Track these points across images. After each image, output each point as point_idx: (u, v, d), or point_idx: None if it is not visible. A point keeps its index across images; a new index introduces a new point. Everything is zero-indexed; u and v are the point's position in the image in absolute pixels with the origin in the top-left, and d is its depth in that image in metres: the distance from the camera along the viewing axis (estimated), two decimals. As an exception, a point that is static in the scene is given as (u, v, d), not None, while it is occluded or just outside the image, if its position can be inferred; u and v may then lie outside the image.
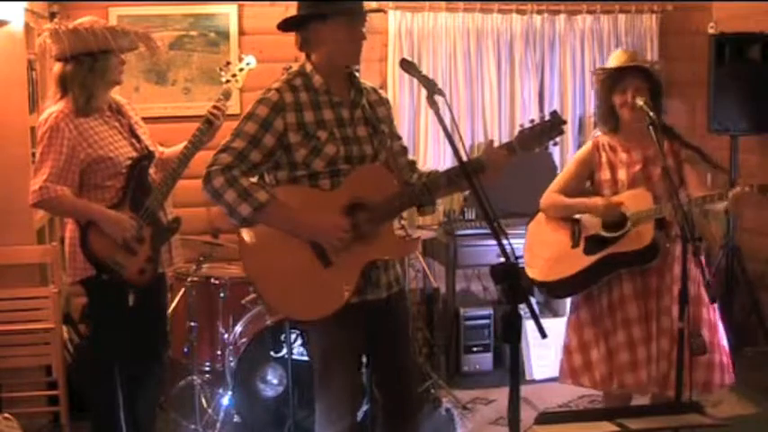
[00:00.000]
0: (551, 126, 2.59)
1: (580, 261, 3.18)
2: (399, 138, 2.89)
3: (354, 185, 2.60)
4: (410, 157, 2.88)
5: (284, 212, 2.55)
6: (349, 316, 2.57)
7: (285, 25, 2.67)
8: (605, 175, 3.22)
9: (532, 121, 2.62)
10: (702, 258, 2.94)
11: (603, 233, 3.15)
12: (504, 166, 2.59)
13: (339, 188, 2.60)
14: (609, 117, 3.22)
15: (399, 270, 2.80)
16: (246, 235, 2.62)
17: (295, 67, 2.71)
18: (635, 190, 3.15)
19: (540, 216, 3.37)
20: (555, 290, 3.34)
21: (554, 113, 2.62)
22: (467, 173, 2.39)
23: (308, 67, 2.65)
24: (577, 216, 3.26)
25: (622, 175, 3.19)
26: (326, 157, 2.58)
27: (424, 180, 2.65)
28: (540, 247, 3.32)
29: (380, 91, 2.85)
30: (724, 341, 3.20)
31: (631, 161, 3.19)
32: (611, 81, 3.18)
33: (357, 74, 2.75)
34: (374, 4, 4.88)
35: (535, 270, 3.28)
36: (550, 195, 3.31)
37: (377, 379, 2.81)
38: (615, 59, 3.22)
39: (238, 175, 2.51)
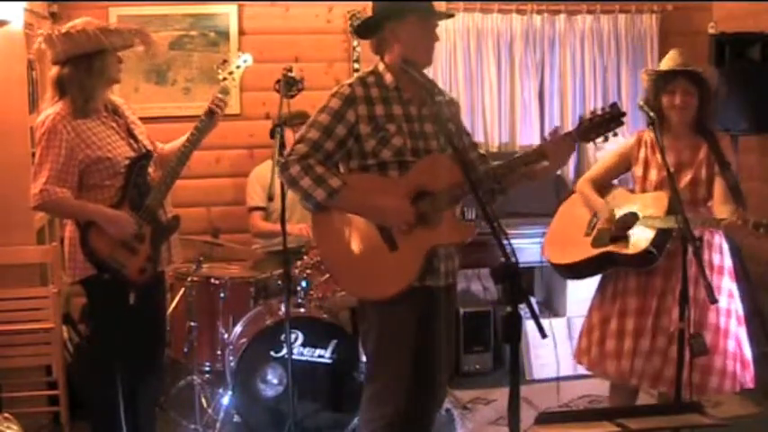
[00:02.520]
0: (611, 117, 2.66)
1: (584, 251, 3.26)
2: (468, 134, 3.00)
3: (420, 174, 2.72)
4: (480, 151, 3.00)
5: (354, 197, 2.70)
6: (410, 298, 2.69)
7: (363, 29, 2.84)
8: (638, 171, 3.29)
9: (593, 112, 2.69)
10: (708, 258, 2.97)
11: (613, 229, 3.20)
12: (568, 155, 2.71)
13: (406, 177, 2.72)
14: (659, 117, 3.19)
15: (456, 263, 2.89)
16: (319, 223, 2.79)
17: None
18: (656, 192, 3.17)
19: (575, 196, 3.49)
20: (559, 271, 3.47)
21: (613, 105, 2.69)
22: (471, 180, 2.45)
23: (381, 67, 2.81)
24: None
25: (653, 175, 3.22)
26: (393, 148, 2.71)
27: (487, 168, 2.77)
28: (562, 228, 3.46)
29: (449, 93, 2.98)
30: (738, 347, 3.21)
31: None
32: (661, 82, 3.20)
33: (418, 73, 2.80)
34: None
35: (549, 249, 3.43)
36: (583, 181, 3.43)
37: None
38: (668, 60, 3.24)
39: (313, 164, 2.68)
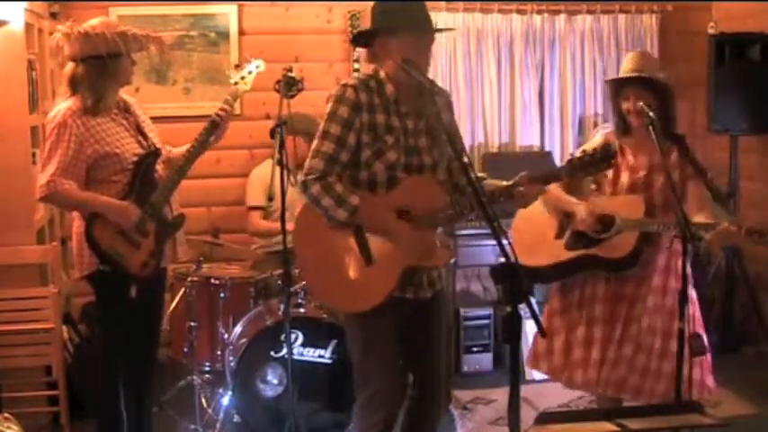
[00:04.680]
0: (601, 158, 2.67)
1: (558, 254, 3.19)
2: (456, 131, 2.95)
3: (405, 193, 2.72)
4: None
5: (374, 215, 2.70)
6: (389, 311, 2.69)
7: (357, 40, 2.86)
8: (608, 174, 3.22)
9: (584, 151, 2.71)
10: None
11: (590, 233, 3.14)
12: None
13: (391, 193, 2.72)
14: (619, 122, 3.21)
15: (442, 270, 2.90)
16: (299, 232, 2.82)
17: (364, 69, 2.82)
18: (631, 196, 3.15)
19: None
20: (528, 275, 3.29)
21: (606, 146, 2.71)
22: (474, 192, 2.42)
23: (382, 75, 2.77)
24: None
25: (624, 178, 3.19)
26: (386, 162, 2.70)
27: (466, 200, 2.73)
28: (525, 229, 3.33)
29: (446, 93, 2.92)
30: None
31: (636, 166, 3.18)
32: (616, 88, 3.20)
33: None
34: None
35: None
36: (553, 186, 3.28)
37: (409, 373, 2.89)
38: (623, 67, 3.22)
39: (333, 182, 2.67)
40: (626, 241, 3.07)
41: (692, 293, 3.17)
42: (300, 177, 2.76)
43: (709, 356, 3.18)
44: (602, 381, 3.12)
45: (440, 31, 2.84)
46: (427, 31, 2.76)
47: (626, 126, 3.19)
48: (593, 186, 3.34)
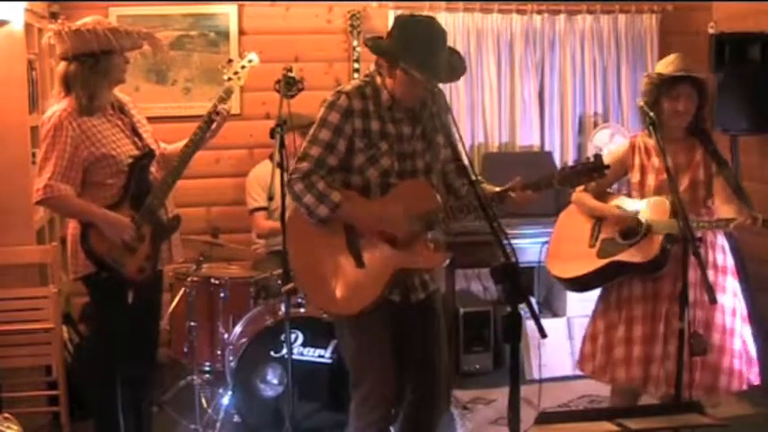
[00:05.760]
0: (593, 168, 2.67)
1: (591, 263, 3.22)
2: (456, 135, 2.92)
3: (398, 196, 2.73)
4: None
5: (356, 210, 2.73)
6: (379, 311, 2.71)
7: (372, 46, 2.78)
8: (635, 177, 3.26)
9: (576, 161, 2.70)
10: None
11: (618, 239, 3.17)
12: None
13: (385, 198, 2.74)
14: (652, 122, 3.14)
15: (437, 271, 2.92)
16: (292, 233, 2.87)
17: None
18: (658, 198, 3.16)
19: (573, 207, 3.44)
20: (566, 285, 3.44)
21: (597, 156, 2.69)
22: (475, 195, 2.46)
23: (379, 81, 2.76)
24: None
25: (651, 180, 3.21)
26: (380, 168, 2.72)
27: (459, 203, 2.76)
28: (564, 241, 3.41)
29: (443, 94, 2.89)
30: (743, 345, 3.19)
31: (661, 167, 3.18)
32: (664, 87, 3.15)
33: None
34: (374, 5, 4.90)
35: (553, 264, 3.38)
36: (581, 191, 3.38)
37: (407, 376, 2.88)
38: (670, 65, 3.19)
39: (316, 180, 2.71)
40: (652, 244, 3.10)
41: (735, 285, 3.25)
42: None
43: (754, 350, 3.22)
44: (653, 379, 3.13)
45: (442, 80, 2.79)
46: (426, 76, 2.66)
47: (660, 125, 3.16)
48: (611, 189, 3.38)
